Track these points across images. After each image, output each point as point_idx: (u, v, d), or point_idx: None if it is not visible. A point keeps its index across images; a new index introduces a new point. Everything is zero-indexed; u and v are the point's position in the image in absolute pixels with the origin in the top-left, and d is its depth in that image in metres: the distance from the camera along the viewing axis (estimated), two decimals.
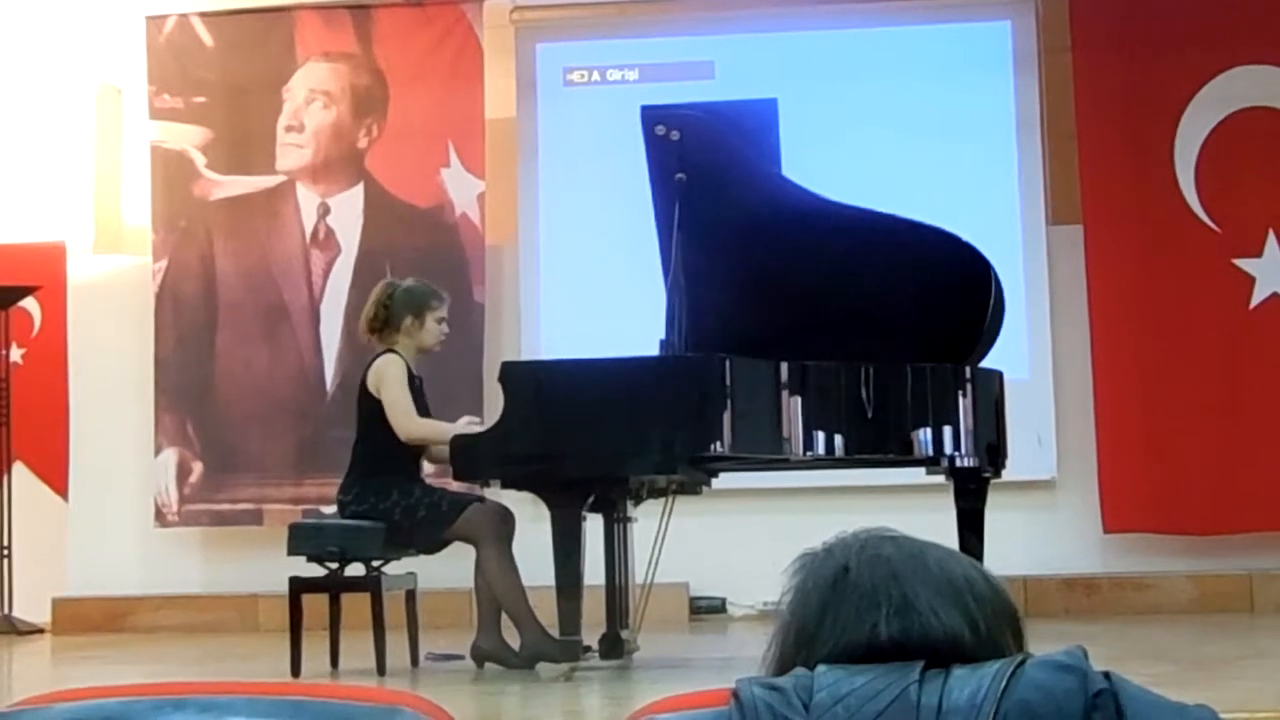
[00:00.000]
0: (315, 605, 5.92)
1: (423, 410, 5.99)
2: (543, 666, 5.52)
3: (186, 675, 6.09)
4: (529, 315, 8.68)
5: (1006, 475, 5.98)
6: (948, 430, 5.61)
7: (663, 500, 6.04)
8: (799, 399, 5.45)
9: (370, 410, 5.92)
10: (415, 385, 5.98)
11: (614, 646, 5.81)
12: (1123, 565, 8.20)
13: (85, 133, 9.09)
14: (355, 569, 5.92)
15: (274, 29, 8.83)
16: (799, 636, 1.36)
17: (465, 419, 6.00)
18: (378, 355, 6.03)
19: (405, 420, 5.85)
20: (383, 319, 6.03)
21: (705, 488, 6.32)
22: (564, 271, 8.65)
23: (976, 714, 1.24)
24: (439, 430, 5.86)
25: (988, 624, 1.33)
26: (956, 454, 5.63)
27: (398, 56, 8.75)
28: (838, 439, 5.53)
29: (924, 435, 5.60)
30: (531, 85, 8.86)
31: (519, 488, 5.70)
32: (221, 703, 1.47)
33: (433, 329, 6.04)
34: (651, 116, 5.84)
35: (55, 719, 1.47)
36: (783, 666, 1.36)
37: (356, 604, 5.89)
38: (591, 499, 5.56)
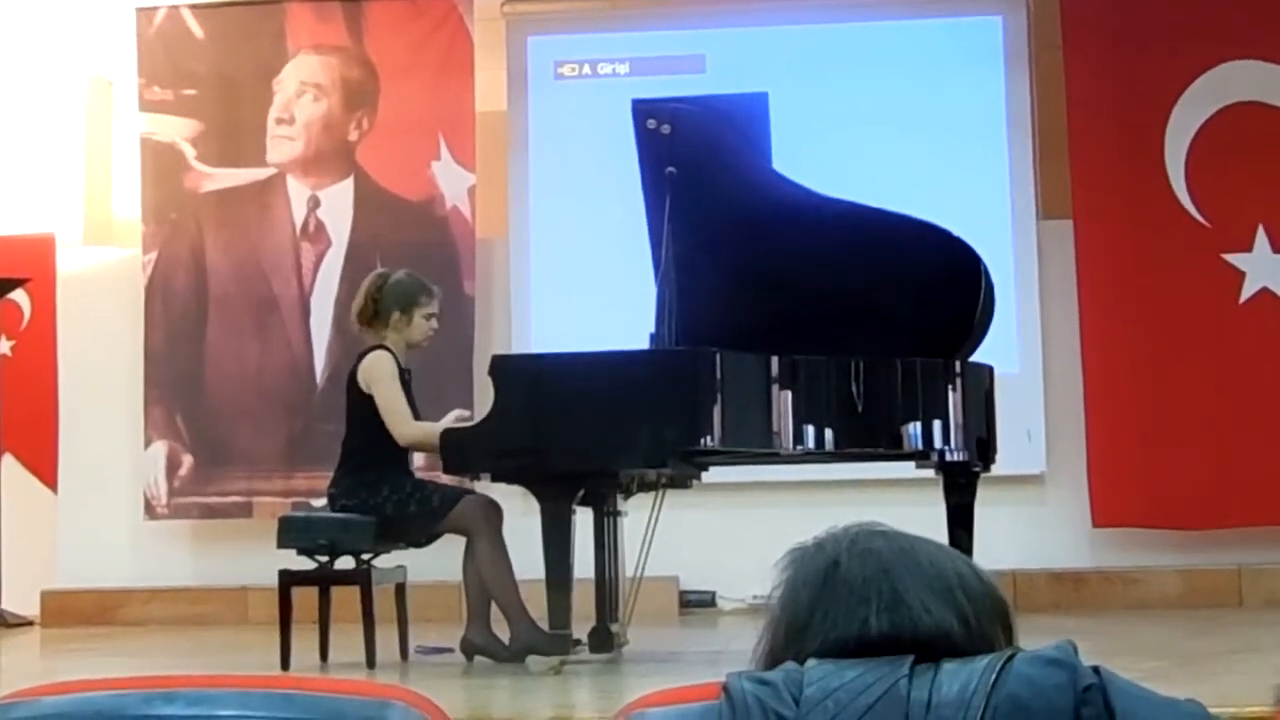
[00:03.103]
0: (305, 598, 5.91)
1: (410, 405, 5.97)
2: (532, 660, 5.52)
3: (176, 668, 6.08)
4: (519, 308, 8.67)
5: (996, 470, 6.00)
6: (937, 424, 5.62)
7: (653, 494, 6.04)
8: (789, 393, 5.46)
9: (360, 406, 5.90)
10: (404, 380, 5.96)
11: (604, 640, 5.81)
12: (1112, 560, 8.21)
13: (75, 125, 9.07)
14: (345, 562, 5.91)
15: (264, 21, 8.81)
16: (789, 631, 1.36)
17: (455, 413, 6.00)
18: (367, 350, 6.00)
19: (402, 425, 5.83)
20: (371, 311, 6.01)
21: (695, 481, 6.32)
22: (554, 265, 8.65)
23: (966, 708, 1.25)
24: (434, 432, 5.85)
25: (978, 618, 1.33)
26: (946, 448, 5.64)
27: (388, 49, 8.74)
28: (828, 433, 5.53)
29: (914, 429, 5.61)
30: (522, 78, 8.85)
31: (509, 481, 5.70)
32: (212, 696, 1.47)
33: (421, 325, 6.00)
34: (642, 110, 5.84)
35: (45, 712, 1.47)
36: (773, 660, 1.36)
37: (346, 597, 5.88)
38: (581, 492, 5.56)
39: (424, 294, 6.03)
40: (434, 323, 6.06)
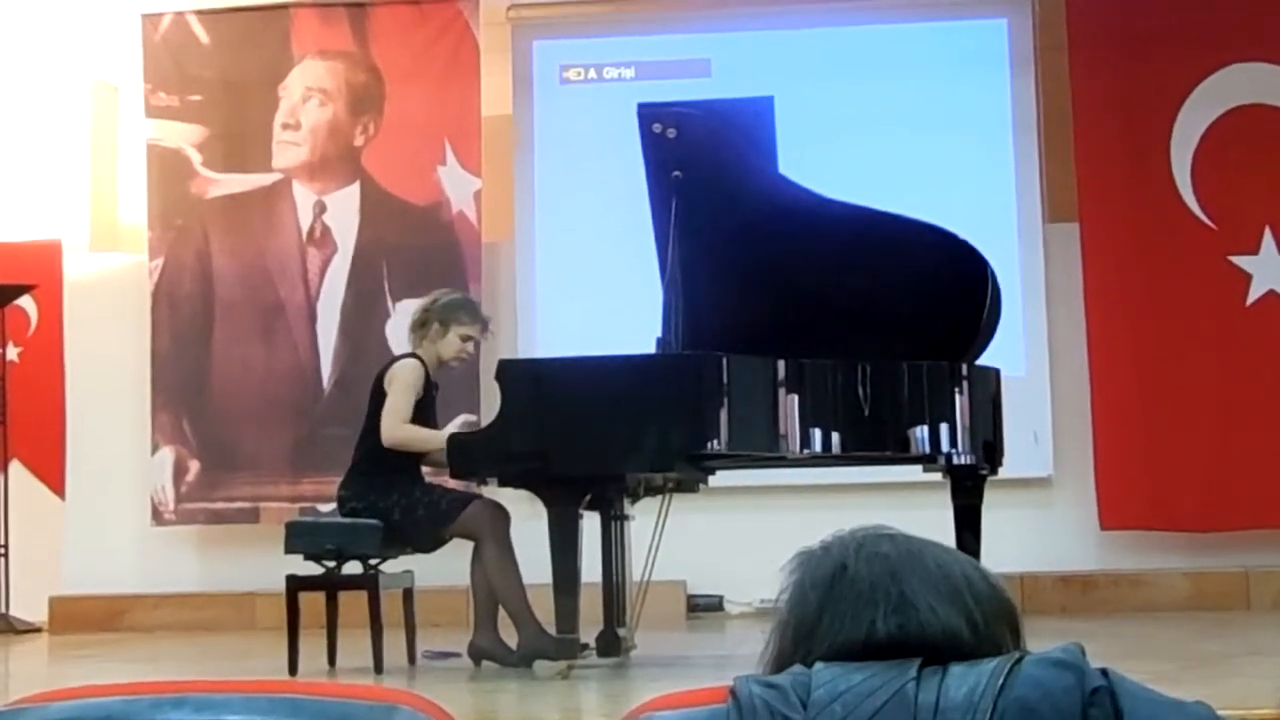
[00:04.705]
0: (312, 603, 5.92)
1: (430, 420, 6.00)
2: (540, 664, 5.52)
3: (184, 674, 6.09)
4: (525, 313, 8.68)
5: (1003, 472, 5.98)
6: (944, 427, 5.61)
7: (660, 498, 6.04)
8: (796, 396, 5.45)
9: (378, 408, 5.93)
10: (430, 394, 5.99)
11: (611, 644, 5.81)
12: (1119, 562, 8.20)
13: (81, 131, 9.08)
14: (352, 567, 5.92)
15: (270, 26, 8.82)
16: (797, 634, 1.36)
17: (461, 418, 6.01)
18: (401, 356, 6.05)
19: (393, 425, 5.84)
20: (419, 321, 6.08)
21: (702, 485, 6.32)
22: (561, 269, 8.65)
23: (974, 711, 1.24)
24: (418, 437, 5.85)
25: (986, 622, 1.33)
26: (953, 451, 5.63)
27: (394, 54, 8.75)
28: (835, 436, 5.53)
29: (921, 433, 5.60)
30: (528, 83, 8.86)
31: (516, 485, 5.70)
32: (219, 701, 1.47)
33: (453, 342, 6.03)
34: (648, 114, 5.84)
35: (53, 718, 1.47)
36: (780, 664, 1.36)
37: (354, 602, 5.88)
38: (588, 497, 5.56)
39: (468, 315, 6.10)
40: (469, 347, 6.11)
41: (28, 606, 8.33)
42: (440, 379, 6.19)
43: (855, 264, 5.81)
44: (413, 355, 6.03)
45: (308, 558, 5.92)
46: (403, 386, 5.89)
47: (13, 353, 8.81)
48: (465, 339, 6.06)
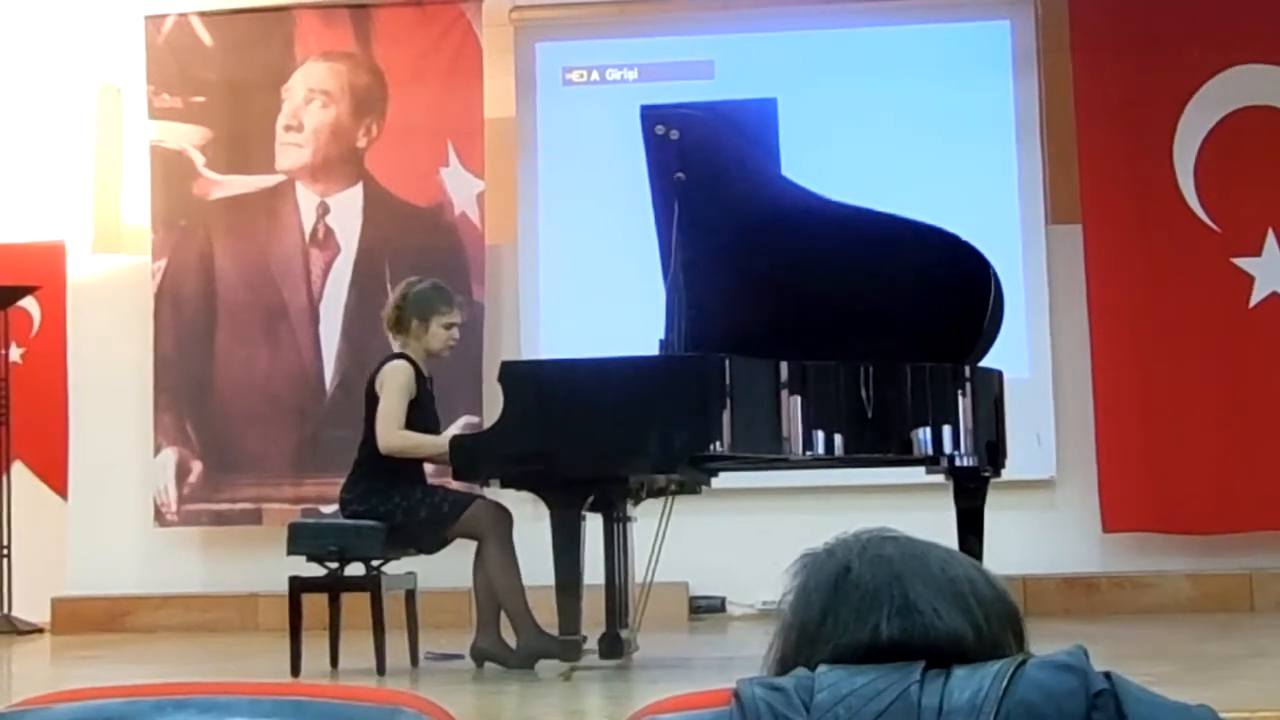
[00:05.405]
0: (315, 605, 5.92)
1: (430, 416, 5.99)
2: (542, 666, 5.52)
3: (186, 675, 6.09)
4: (528, 315, 8.68)
5: (1006, 474, 5.97)
6: (947, 429, 5.61)
7: (662, 500, 6.04)
8: (798, 398, 5.45)
9: (373, 411, 5.92)
10: (425, 390, 5.99)
11: (614, 646, 5.81)
12: (1122, 564, 8.20)
13: (85, 132, 9.08)
14: (355, 568, 5.92)
15: (273, 28, 8.83)
16: (800, 637, 1.36)
17: (464, 419, 6.01)
18: (389, 358, 6.04)
19: (387, 432, 5.84)
20: (394, 318, 6.06)
21: (705, 487, 6.32)
22: (563, 271, 8.65)
23: (977, 714, 1.24)
24: (412, 442, 5.85)
25: (989, 625, 1.33)
26: (956, 453, 5.63)
27: (397, 56, 8.75)
28: (837, 438, 5.52)
29: (923, 434, 5.60)
30: (531, 84, 8.86)
31: (518, 487, 5.70)
32: (223, 703, 1.48)
33: (439, 334, 6.03)
34: (651, 116, 5.84)
35: (57, 719, 1.47)
36: (784, 667, 1.36)
37: (356, 604, 5.89)
38: (591, 498, 5.56)
39: (443, 303, 6.06)
40: (454, 333, 6.09)
41: (30, 607, 8.33)
42: (438, 373, 6.18)
43: (858, 266, 5.81)
44: (400, 355, 6.01)
45: (310, 559, 5.93)
46: (393, 390, 5.88)
47: (16, 354, 8.82)
48: (448, 327, 6.05)
